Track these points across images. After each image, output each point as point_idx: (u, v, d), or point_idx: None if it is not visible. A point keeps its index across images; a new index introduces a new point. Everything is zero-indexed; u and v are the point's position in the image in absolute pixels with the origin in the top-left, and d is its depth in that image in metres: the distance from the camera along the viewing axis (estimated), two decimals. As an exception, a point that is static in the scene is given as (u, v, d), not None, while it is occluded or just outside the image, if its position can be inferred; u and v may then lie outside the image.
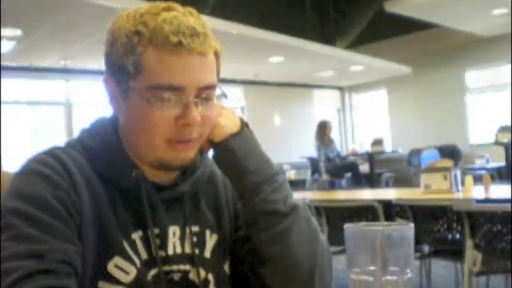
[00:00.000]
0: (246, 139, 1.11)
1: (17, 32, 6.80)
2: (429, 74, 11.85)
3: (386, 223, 0.86)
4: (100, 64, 1.08)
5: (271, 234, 1.07)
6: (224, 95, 1.09)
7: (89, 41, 7.30)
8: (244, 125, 1.13)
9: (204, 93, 1.03)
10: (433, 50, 11.65)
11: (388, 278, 0.80)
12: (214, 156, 1.12)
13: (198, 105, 1.02)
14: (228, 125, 1.11)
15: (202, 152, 1.16)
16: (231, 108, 1.14)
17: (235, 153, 1.09)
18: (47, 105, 9.67)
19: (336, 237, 3.82)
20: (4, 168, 6.68)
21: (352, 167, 9.54)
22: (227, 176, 1.13)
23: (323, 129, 9.09)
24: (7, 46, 7.34)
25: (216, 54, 1.06)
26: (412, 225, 0.83)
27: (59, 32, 7.08)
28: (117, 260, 1.03)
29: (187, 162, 1.07)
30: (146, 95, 1.00)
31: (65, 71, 9.21)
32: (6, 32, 6.73)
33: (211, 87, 1.04)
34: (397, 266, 0.81)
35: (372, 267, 0.81)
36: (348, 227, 0.84)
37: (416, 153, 9.68)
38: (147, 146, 1.05)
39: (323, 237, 1.14)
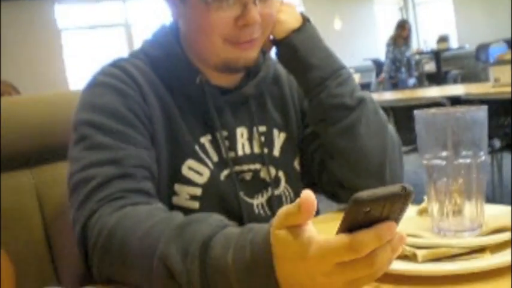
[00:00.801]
0: (308, 34, 1.09)
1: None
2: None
3: (458, 106, 0.84)
4: None
5: (340, 127, 1.07)
6: None
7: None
8: (305, 20, 1.11)
9: None
10: None
11: (461, 161, 0.80)
12: (277, 54, 1.11)
13: (256, 4, 1.00)
14: (289, 20, 1.09)
15: (265, 51, 1.15)
16: (291, 3, 1.12)
17: (299, 49, 1.08)
18: (107, 28, 9.75)
19: (404, 137, 3.78)
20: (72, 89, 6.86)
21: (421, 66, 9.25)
22: (291, 73, 1.13)
23: (400, 28, 8.74)
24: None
25: None
26: (485, 106, 0.81)
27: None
28: (191, 162, 1.05)
29: (251, 62, 1.07)
30: None
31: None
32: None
33: None
34: (470, 149, 0.80)
35: (444, 153, 0.81)
36: (418, 112, 0.83)
37: (483, 47, 9.31)
38: (208, 49, 1.05)
39: (392, 129, 1.13)
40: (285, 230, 0.64)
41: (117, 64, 1.07)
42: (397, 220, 0.61)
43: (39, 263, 1.17)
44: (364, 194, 0.56)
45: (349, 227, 0.60)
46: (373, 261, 0.61)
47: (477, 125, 0.80)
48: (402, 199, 0.58)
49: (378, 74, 9.53)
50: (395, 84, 8.35)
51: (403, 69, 8.60)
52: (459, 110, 0.81)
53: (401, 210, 0.60)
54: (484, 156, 0.81)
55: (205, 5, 0.99)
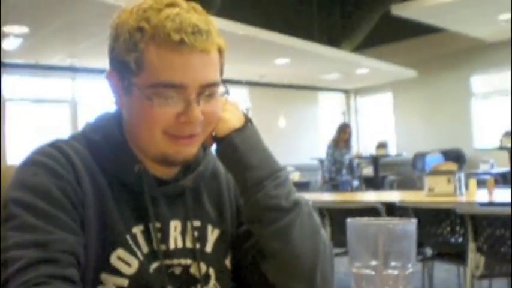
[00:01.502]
0: (249, 134, 1.11)
1: (24, 30, 6.82)
2: (435, 78, 11.83)
3: (388, 218, 0.86)
4: (106, 63, 1.08)
5: (274, 229, 1.07)
6: (227, 92, 1.09)
7: (94, 40, 7.31)
8: (247, 120, 1.13)
9: (207, 90, 1.02)
10: (439, 54, 11.64)
11: (390, 272, 0.80)
12: (217, 151, 1.12)
13: (200, 103, 1.02)
14: (232, 119, 1.10)
15: (205, 146, 1.16)
16: (234, 103, 1.14)
17: (239, 148, 1.09)
18: (52, 103, 9.68)
19: (339, 239, 3.82)
20: (8, 163, 6.72)
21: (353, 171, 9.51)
22: (230, 171, 1.13)
23: (341, 131, 8.99)
24: (14, 43, 7.35)
25: (220, 51, 1.06)
26: (414, 220, 0.83)
27: (65, 30, 7.09)
28: (120, 252, 1.03)
29: (190, 157, 1.07)
30: (148, 92, 1.00)
31: (71, 69, 9.23)
32: (13, 29, 6.75)
33: (213, 84, 1.04)
34: (399, 261, 0.81)
35: (373, 262, 0.81)
36: (350, 221, 0.84)
37: (420, 156, 9.68)
38: (149, 141, 1.05)
39: (325, 233, 1.14)
40: None
41: (55, 145, 1.06)
42: None
43: None
44: None
45: None
46: None
47: (407, 238, 0.81)
48: None
49: (322, 173, 9.70)
50: (335, 186, 8.50)
51: (344, 172, 8.79)
52: (390, 222, 0.82)
53: None
54: (411, 269, 0.82)
55: (149, 101, 1.00)
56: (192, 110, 1.01)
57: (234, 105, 1.13)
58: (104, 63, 1.08)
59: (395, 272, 0.81)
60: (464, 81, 11.62)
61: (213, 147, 1.15)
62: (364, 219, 0.84)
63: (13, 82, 8.96)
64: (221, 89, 1.07)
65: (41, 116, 9.29)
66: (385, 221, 0.84)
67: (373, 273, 0.81)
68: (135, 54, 1.00)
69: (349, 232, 0.84)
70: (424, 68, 11.69)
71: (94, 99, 9.48)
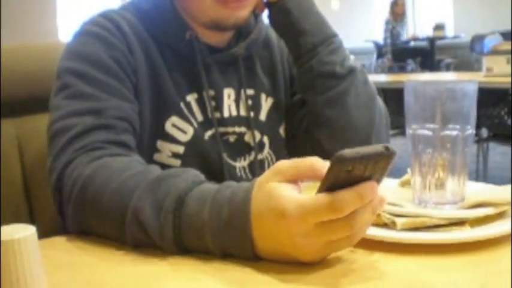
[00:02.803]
0: None
1: None
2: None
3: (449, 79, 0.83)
4: None
5: (328, 96, 1.05)
6: None
7: None
8: None
9: None
10: None
11: (448, 133, 0.78)
12: (269, 16, 1.09)
13: None
14: None
15: (257, 14, 1.13)
16: None
17: (291, 13, 1.05)
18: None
19: (393, 120, 3.78)
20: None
21: (417, 52, 9.28)
22: (282, 37, 1.10)
23: (394, 5, 8.75)
24: None
25: None
26: (476, 81, 0.80)
27: None
28: (175, 119, 1.03)
29: (241, 20, 1.05)
30: None
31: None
32: None
33: None
34: (457, 122, 0.79)
35: (431, 124, 0.79)
36: (408, 81, 0.81)
37: (479, 38, 9.30)
38: (198, 6, 1.03)
39: (381, 101, 1.12)
40: (276, 183, 0.63)
41: (105, 15, 1.05)
42: (378, 181, 0.60)
43: (15, 213, 1.15)
44: (347, 152, 0.55)
45: (329, 186, 0.59)
46: (353, 222, 0.60)
47: (466, 98, 0.79)
48: (385, 159, 0.57)
49: (378, 57, 9.50)
50: (396, 68, 8.34)
51: (405, 53, 8.59)
52: (450, 81, 0.79)
53: (383, 171, 0.59)
54: (470, 130, 0.79)
55: None
56: None
57: None
58: None
59: (454, 133, 0.79)
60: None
61: (265, 15, 1.12)
62: (423, 80, 0.81)
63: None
64: None
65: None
66: (445, 81, 0.81)
67: (430, 133, 0.79)
68: None
69: (406, 93, 0.81)
70: None
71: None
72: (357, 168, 0.56)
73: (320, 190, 0.60)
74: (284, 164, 0.66)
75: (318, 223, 0.60)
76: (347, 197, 0.58)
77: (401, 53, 9.02)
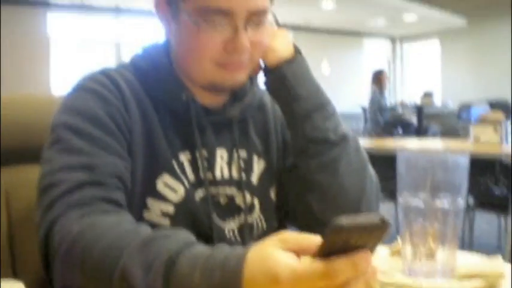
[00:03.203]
0: (299, 65, 1.10)
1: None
2: (483, 27, 11.48)
3: (441, 146, 0.84)
4: (150, 4, 1.07)
5: (321, 162, 1.06)
6: (277, 22, 1.07)
7: (140, -20, 7.28)
8: (297, 51, 1.11)
9: (255, 17, 1.01)
10: (489, 1, 11.24)
11: (439, 204, 0.79)
12: (265, 81, 1.11)
13: (248, 30, 1.00)
14: (282, 49, 1.09)
15: (252, 77, 1.14)
16: (285, 32, 1.12)
17: (288, 79, 1.07)
18: (97, 44, 9.73)
19: (381, 185, 3.79)
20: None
21: (404, 121, 9.40)
22: (277, 102, 1.12)
23: (380, 76, 8.90)
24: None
25: None
26: (468, 154, 0.81)
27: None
28: (166, 177, 1.03)
29: (237, 84, 1.06)
30: (195, 17, 0.99)
31: (116, 10, 9.24)
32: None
33: (262, 12, 1.01)
34: (449, 194, 0.80)
35: (422, 194, 0.80)
36: (401, 151, 0.82)
37: (466, 107, 9.47)
38: (196, 69, 1.05)
39: (372, 169, 1.13)
40: (277, 249, 0.64)
41: (103, 72, 1.06)
42: (372, 250, 0.60)
43: (-2, 266, 1.13)
44: (344, 220, 0.56)
45: (324, 251, 0.59)
46: None
47: (458, 171, 0.80)
48: (379, 230, 0.58)
49: (366, 121, 9.61)
50: (379, 133, 8.42)
51: (393, 122, 8.70)
52: (442, 153, 0.81)
53: (377, 241, 0.59)
54: (461, 202, 0.80)
55: (196, 27, 0.99)
56: (239, 37, 0.99)
57: (284, 35, 1.11)
58: (149, 4, 1.08)
59: (445, 204, 0.79)
60: (515, 30, 11.23)
61: (260, 78, 1.14)
62: (416, 152, 0.83)
63: (58, 22, 9.02)
64: (270, 17, 1.05)
65: (86, 56, 9.36)
66: (437, 153, 0.82)
67: (421, 203, 0.79)
68: None
69: (399, 164, 0.82)
70: (473, 16, 11.33)
71: (138, 40, 9.49)
72: (351, 236, 0.57)
73: (315, 255, 0.60)
74: (289, 234, 0.66)
75: None
76: (341, 265, 0.59)
77: (389, 120, 9.14)
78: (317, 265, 0.59)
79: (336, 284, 0.59)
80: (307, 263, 0.60)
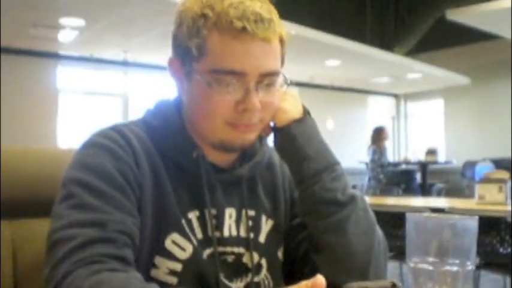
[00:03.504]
0: (308, 126, 1.11)
1: (81, 23, 6.94)
2: (487, 86, 11.57)
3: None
4: (158, 59, 1.10)
5: (329, 222, 1.07)
6: (287, 82, 1.09)
7: (148, 36, 7.39)
8: (306, 112, 1.13)
9: (266, 79, 1.03)
10: (493, 61, 11.36)
11: (448, 268, 0.79)
12: (275, 141, 1.12)
13: (258, 91, 1.02)
14: (291, 110, 1.11)
15: (262, 137, 1.16)
16: (295, 93, 1.14)
17: (297, 139, 1.09)
18: (104, 96, 9.83)
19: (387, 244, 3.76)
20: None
21: (409, 176, 9.41)
22: (286, 162, 1.13)
23: (379, 134, 8.98)
24: (70, 36, 7.49)
25: (281, 41, 1.06)
26: (476, 217, 0.82)
27: (121, 25, 7.18)
28: (175, 236, 1.04)
29: (248, 143, 1.08)
30: (208, 78, 1.01)
31: (124, 64, 9.37)
32: (70, 21, 6.87)
33: (273, 73, 1.04)
34: (458, 257, 0.80)
35: (432, 257, 0.80)
36: (410, 215, 0.83)
37: (470, 165, 9.46)
38: (208, 128, 1.06)
39: (379, 230, 1.13)
40: None
41: (115, 128, 1.07)
42: None
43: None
44: (355, 285, 0.56)
45: None
46: None
47: (467, 234, 0.80)
48: None
49: (369, 178, 9.59)
50: (388, 190, 8.41)
51: (397, 176, 8.70)
52: (451, 217, 0.81)
53: None
54: (471, 266, 0.80)
55: (209, 87, 1.01)
56: (251, 98, 1.01)
57: (294, 96, 1.13)
58: (156, 58, 1.11)
59: (454, 268, 0.79)
60: (519, 89, 11.33)
61: (269, 138, 1.15)
62: (425, 214, 0.83)
63: (67, 74, 9.13)
64: (281, 78, 1.07)
65: (93, 109, 9.44)
66: (446, 216, 0.82)
67: (431, 268, 0.79)
68: (197, 40, 1.01)
69: (408, 226, 0.83)
70: (477, 75, 11.44)
71: (145, 94, 9.60)
72: None
73: None
74: None
75: None
76: None
77: (392, 176, 9.14)
78: None
79: None
80: None
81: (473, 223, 0.81)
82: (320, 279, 0.62)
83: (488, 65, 11.54)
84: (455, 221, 0.80)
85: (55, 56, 8.66)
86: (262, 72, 1.01)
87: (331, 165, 1.10)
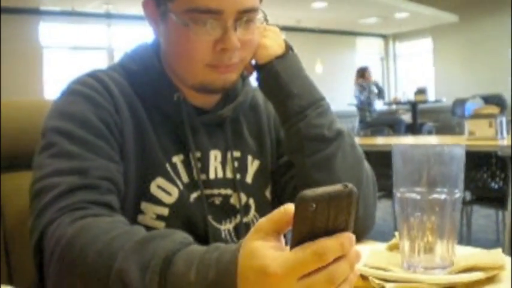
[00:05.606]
0: (291, 62, 1.09)
1: (60, -25, 6.81)
2: (476, 23, 11.48)
3: (436, 143, 0.83)
4: (141, 9, 1.06)
5: (316, 159, 1.05)
6: (266, 19, 1.06)
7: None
8: (289, 47, 1.10)
9: (245, 16, 1.00)
10: (480, -3, 11.26)
11: (436, 196, 0.78)
12: (258, 79, 1.10)
13: (237, 29, 0.99)
14: (273, 46, 1.08)
15: (244, 76, 1.13)
16: (275, 29, 1.11)
17: (280, 76, 1.06)
18: (89, 50, 9.71)
19: (378, 183, 3.78)
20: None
21: (395, 120, 9.44)
22: (270, 100, 1.11)
23: (363, 74, 8.99)
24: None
25: None
26: (463, 145, 0.80)
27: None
28: (160, 180, 1.02)
29: (229, 84, 1.05)
30: (184, 18, 0.98)
31: (107, 16, 9.22)
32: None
33: (251, 10, 1.00)
34: (445, 186, 0.79)
35: (418, 188, 0.79)
36: (396, 145, 0.81)
37: (460, 102, 9.47)
38: (187, 70, 1.04)
39: (368, 165, 1.12)
40: (258, 242, 0.63)
41: (93, 74, 1.05)
42: (348, 228, 0.60)
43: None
44: (308, 191, 0.56)
45: (301, 238, 0.59)
46: (333, 276, 0.60)
47: (454, 162, 0.79)
48: (346, 198, 0.58)
49: (360, 120, 9.61)
50: (373, 131, 8.45)
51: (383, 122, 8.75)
52: (437, 145, 0.80)
53: (349, 215, 0.59)
54: (458, 194, 0.79)
55: (186, 28, 0.98)
56: (229, 36, 0.98)
57: (275, 32, 1.10)
58: (139, 9, 1.07)
59: (442, 196, 0.79)
60: (507, 25, 11.25)
61: (252, 77, 1.13)
62: (410, 144, 0.82)
63: (51, 30, 9.00)
64: (260, 15, 1.04)
65: (78, 63, 9.33)
66: (432, 144, 0.81)
67: (418, 197, 0.78)
68: None
69: (394, 157, 0.81)
70: (465, 12, 11.34)
71: (130, 45, 9.47)
72: (320, 209, 0.57)
73: (293, 243, 0.60)
74: (262, 221, 0.65)
75: (302, 279, 0.59)
76: (329, 244, 0.59)
77: (381, 117, 9.18)
78: (304, 248, 0.59)
79: (327, 262, 0.59)
80: (293, 251, 0.60)
81: (460, 150, 0.79)
82: (289, 205, 0.62)
83: (476, 1, 11.42)
84: (441, 149, 0.79)
85: (36, 12, 8.50)
86: (240, 9, 0.98)
87: (316, 100, 1.07)
